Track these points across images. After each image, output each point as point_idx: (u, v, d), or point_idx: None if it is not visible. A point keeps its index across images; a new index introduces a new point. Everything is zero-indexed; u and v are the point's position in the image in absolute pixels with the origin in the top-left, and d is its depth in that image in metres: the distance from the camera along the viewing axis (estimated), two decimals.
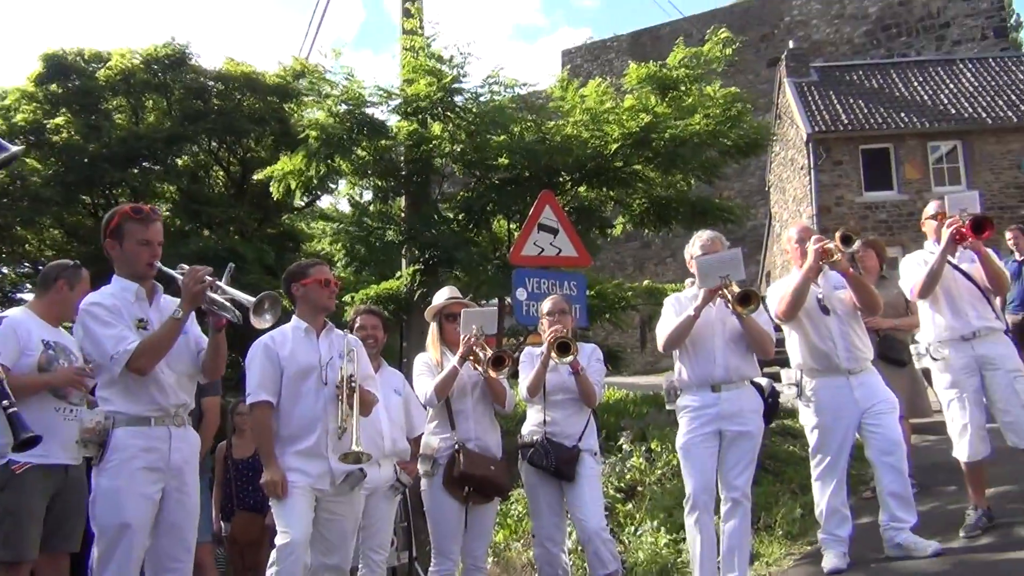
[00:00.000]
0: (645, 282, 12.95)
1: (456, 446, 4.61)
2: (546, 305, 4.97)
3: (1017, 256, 8.63)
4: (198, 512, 3.75)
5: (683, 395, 4.68)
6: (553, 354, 4.54)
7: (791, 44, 26.32)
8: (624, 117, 9.47)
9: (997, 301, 5.01)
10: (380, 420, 4.59)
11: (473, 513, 4.62)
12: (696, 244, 4.75)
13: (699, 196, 11.15)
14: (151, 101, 17.20)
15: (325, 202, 17.53)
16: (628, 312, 11.30)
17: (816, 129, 21.92)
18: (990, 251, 4.87)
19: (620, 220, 11.17)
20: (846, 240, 4.63)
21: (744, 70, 30.67)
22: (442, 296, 5.12)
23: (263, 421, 3.96)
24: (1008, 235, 8.81)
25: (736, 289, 4.40)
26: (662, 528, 5.83)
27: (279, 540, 3.76)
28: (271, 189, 10.48)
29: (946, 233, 4.71)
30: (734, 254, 4.56)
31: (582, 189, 10.31)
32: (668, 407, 4.96)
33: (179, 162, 17.23)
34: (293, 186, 10.15)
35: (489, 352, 4.56)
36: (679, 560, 5.35)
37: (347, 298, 9.57)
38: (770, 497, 6.16)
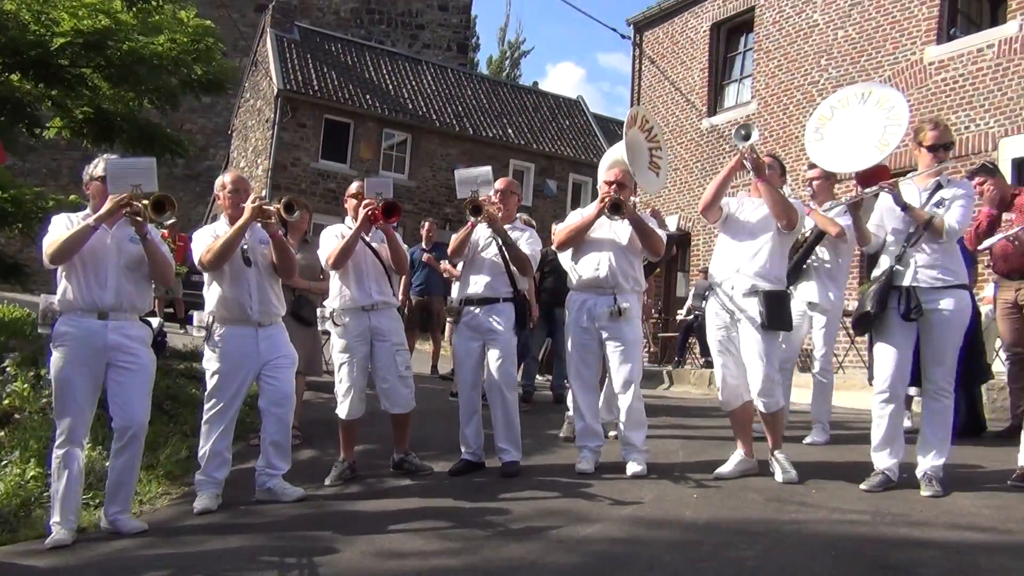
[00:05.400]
0: (72, 196, 11.78)
1: None
2: None
3: (424, 245, 9.82)
4: None
5: (64, 319, 4.35)
6: None
7: None
8: (81, 12, 8.53)
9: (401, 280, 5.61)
10: None
11: None
12: (100, 166, 4.49)
13: (149, 120, 10.50)
14: None
15: None
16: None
17: (287, 87, 22.28)
18: (397, 234, 5.44)
19: (55, 124, 10.01)
20: (289, 208, 4.80)
21: (231, 5, 29.86)
22: None
23: None
24: (425, 225, 9.97)
25: (145, 201, 4.25)
26: (32, 459, 5.39)
27: None
28: None
29: (362, 213, 5.14)
30: (148, 162, 4.36)
31: (15, 78, 8.99)
32: (41, 331, 4.53)
33: None
34: None
35: None
36: (45, 494, 4.99)
37: None
38: (160, 437, 6.08)
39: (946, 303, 4.53)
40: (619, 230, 5.26)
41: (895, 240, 4.70)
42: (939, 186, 4.67)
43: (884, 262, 4.73)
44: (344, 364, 5.31)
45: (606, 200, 5.09)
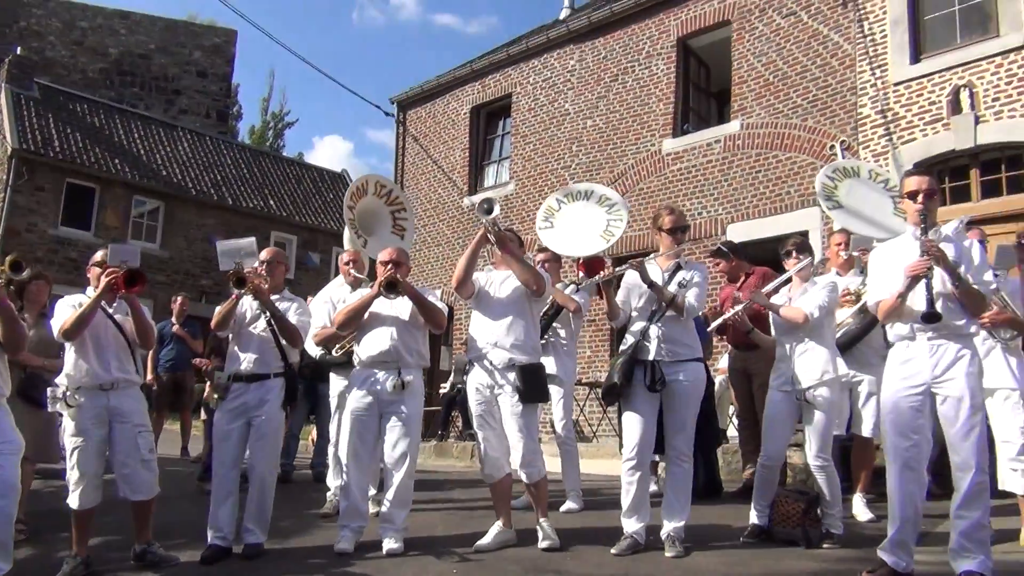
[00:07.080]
0: None
1: None
2: None
3: (175, 320, 9.31)
4: None
5: None
6: None
7: (19, 50, 24.44)
8: None
9: (148, 355, 5.26)
10: None
11: None
12: None
13: None
14: None
15: None
16: None
17: (23, 147, 20.60)
18: (146, 307, 5.12)
19: None
20: (16, 266, 4.42)
21: None
22: None
23: None
24: (177, 300, 9.47)
25: None
26: None
27: None
28: None
29: (104, 280, 4.78)
30: None
31: None
32: None
33: None
34: None
35: None
36: None
37: None
38: None
39: (685, 375, 4.92)
40: (400, 306, 5.28)
41: (640, 316, 5.06)
42: (679, 267, 5.11)
43: (630, 337, 5.06)
44: (77, 449, 4.85)
45: (381, 279, 5.10)
